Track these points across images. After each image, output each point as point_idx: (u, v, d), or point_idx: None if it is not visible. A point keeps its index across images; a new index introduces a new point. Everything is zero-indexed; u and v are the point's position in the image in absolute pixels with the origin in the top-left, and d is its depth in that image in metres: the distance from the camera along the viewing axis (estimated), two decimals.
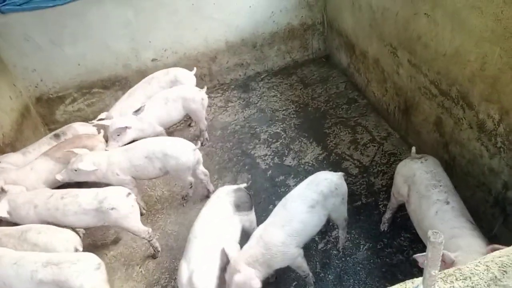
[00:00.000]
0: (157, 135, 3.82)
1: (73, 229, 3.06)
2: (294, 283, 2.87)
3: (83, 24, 4.50)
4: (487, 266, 0.88)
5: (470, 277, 0.85)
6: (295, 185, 3.60)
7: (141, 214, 3.59)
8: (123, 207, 2.97)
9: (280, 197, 3.53)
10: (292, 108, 4.68)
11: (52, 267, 2.50)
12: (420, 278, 0.76)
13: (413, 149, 2.87)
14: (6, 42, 4.41)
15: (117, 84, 5.00)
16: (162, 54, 4.98)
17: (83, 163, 3.23)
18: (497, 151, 2.58)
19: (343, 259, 2.95)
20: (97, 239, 3.53)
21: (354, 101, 4.59)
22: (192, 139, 4.49)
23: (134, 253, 3.33)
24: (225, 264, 2.43)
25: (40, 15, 4.32)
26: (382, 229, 3.07)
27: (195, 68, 4.49)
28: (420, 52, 3.19)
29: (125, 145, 3.59)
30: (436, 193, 2.42)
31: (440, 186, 2.47)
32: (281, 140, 4.22)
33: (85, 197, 3.02)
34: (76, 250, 2.83)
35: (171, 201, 3.76)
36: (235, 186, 2.87)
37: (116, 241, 3.47)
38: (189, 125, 4.70)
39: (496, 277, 0.85)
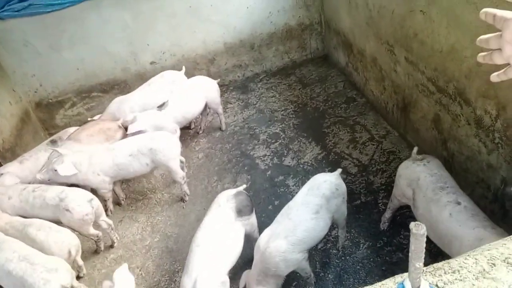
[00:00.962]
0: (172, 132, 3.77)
1: (74, 231, 3.08)
2: (294, 283, 2.86)
3: (81, 28, 4.53)
4: (476, 259, 0.88)
5: (458, 270, 0.85)
6: (295, 185, 3.64)
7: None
8: (78, 212, 3.03)
9: (279, 197, 3.55)
10: (291, 108, 4.69)
11: (26, 264, 2.53)
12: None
13: (415, 149, 2.83)
14: (5, 48, 4.44)
15: (116, 87, 5.02)
16: (161, 57, 5.00)
17: (63, 165, 3.22)
18: (495, 147, 2.57)
19: (342, 258, 2.94)
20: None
21: (353, 100, 4.59)
22: (190, 140, 4.51)
23: (134, 256, 3.33)
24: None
25: (38, 20, 4.35)
26: (382, 228, 3.06)
27: (183, 68, 4.53)
28: (417, 49, 3.19)
29: None
30: (445, 195, 2.38)
31: (447, 187, 2.43)
32: (280, 141, 4.22)
33: (51, 192, 3.12)
34: (70, 253, 2.85)
35: (171, 203, 3.76)
36: (234, 190, 2.83)
37: (116, 245, 3.47)
38: (189, 128, 4.70)
39: (484, 269, 0.85)
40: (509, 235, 1.06)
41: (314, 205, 2.54)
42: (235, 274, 2.70)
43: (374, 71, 4.13)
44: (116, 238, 3.45)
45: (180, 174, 3.57)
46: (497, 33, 0.97)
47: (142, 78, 5.02)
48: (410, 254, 0.69)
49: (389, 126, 4.05)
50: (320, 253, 3.00)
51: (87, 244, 3.45)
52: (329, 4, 4.98)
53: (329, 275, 2.84)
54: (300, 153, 3.98)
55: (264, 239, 2.49)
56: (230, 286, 2.49)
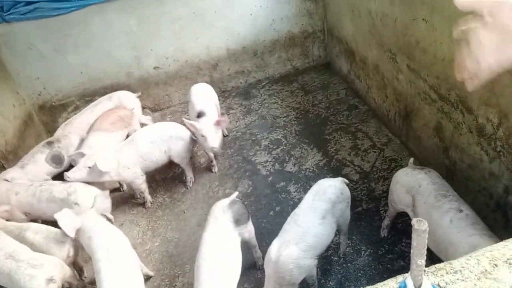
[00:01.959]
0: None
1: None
2: None
3: (86, 33, 4.56)
4: (478, 260, 0.88)
5: (460, 271, 0.85)
6: (296, 191, 3.64)
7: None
8: (86, 206, 3.09)
9: (280, 203, 3.55)
10: (293, 114, 4.70)
11: (11, 261, 2.56)
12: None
13: (411, 160, 2.89)
14: (10, 50, 4.47)
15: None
16: (164, 62, 5.03)
17: (102, 161, 3.25)
18: (496, 155, 2.57)
19: (344, 265, 2.93)
20: None
21: (355, 107, 4.60)
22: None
23: None
24: None
25: (44, 24, 4.38)
26: (382, 235, 3.05)
27: (139, 93, 4.58)
28: (419, 58, 3.21)
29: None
30: (447, 202, 2.40)
31: (450, 195, 2.45)
32: (282, 147, 4.22)
33: (58, 186, 3.25)
34: (69, 254, 2.88)
35: (172, 207, 3.76)
36: (227, 200, 2.77)
37: None
38: None
39: (486, 270, 0.84)
40: None
41: (321, 210, 2.54)
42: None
43: (376, 79, 4.15)
44: None
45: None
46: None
47: (145, 82, 5.06)
48: (412, 251, 0.69)
49: (391, 133, 4.06)
50: (321, 259, 2.99)
51: None
52: (332, 12, 5.02)
53: (330, 282, 2.83)
54: (301, 160, 3.98)
55: (274, 250, 2.44)
56: None
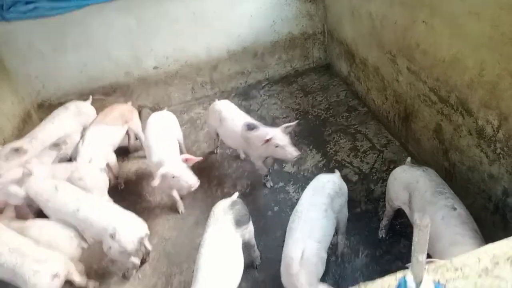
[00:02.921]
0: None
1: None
2: None
3: (85, 32, 4.55)
4: (478, 258, 0.87)
5: (461, 268, 0.84)
6: (295, 191, 3.63)
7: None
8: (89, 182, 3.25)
9: (279, 203, 3.54)
10: (293, 115, 4.69)
11: (16, 256, 2.56)
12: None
13: (409, 158, 2.92)
14: (9, 49, 4.46)
15: (119, 91, 5.03)
16: (164, 62, 5.02)
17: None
18: (496, 157, 2.57)
19: (341, 265, 2.92)
20: (96, 245, 3.50)
21: (354, 109, 4.60)
22: (191, 145, 4.49)
23: None
24: None
25: (43, 23, 4.37)
26: (380, 236, 3.04)
27: (90, 97, 4.42)
28: (419, 59, 3.21)
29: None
30: (443, 199, 2.42)
31: (446, 193, 2.48)
32: None
33: (60, 167, 3.38)
34: (81, 246, 2.93)
35: (170, 206, 3.74)
36: (229, 200, 2.75)
37: None
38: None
39: (487, 268, 0.84)
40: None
41: (321, 204, 2.55)
42: None
43: (376, 81, 4.15)
44: None
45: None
46: None
47: (144, 82, 5.05)
48: (413, 246, 0.68)
49: (390, 135, 4.05)
50: None
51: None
52: (332, 14, 5.02)
53: (327, 282, 2.78)
54: (300, 160, 3.97)
55: (290, 251, 2.35)
56: None
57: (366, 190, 3.49)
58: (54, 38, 4.51)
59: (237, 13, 4.94)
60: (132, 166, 4.34)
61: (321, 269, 2.39)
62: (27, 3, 4.24)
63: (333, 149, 4.03)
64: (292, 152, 3.19)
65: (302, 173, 3.82)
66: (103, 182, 3.45)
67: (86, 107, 4.25)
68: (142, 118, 4.91)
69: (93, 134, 3.72)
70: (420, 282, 0.71)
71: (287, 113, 4.76)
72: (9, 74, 4.55)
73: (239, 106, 5.05)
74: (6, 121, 4.23)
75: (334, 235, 3.00)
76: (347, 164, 3.80)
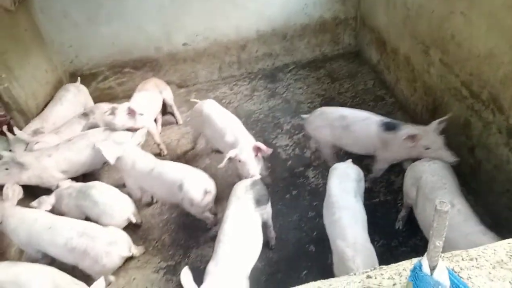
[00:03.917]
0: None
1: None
2: (305, 272, 2.90)
3: (119, 4, 4.61)
4: (494, 250, 0.89)
5: (476, 259, 0.86)
6: (314, 177, 3.65)
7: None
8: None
9: (298, 187, 3.57)
10: (318, 101, 4.67)
11: (87, 238, 2.70)
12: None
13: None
14: (46, 17, 4.58)
15: (148, 65, 5.11)
16: (193, 39, 5.05)
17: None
18: None
19: None
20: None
21: (381, 98, 4.53)
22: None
23: (152, 228, 3.44)
24: None
25: None
26: (397, 227, 3.05)
27: (79, 78, 4.61)
28: (453, 52, 3.13)
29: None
30: (441, 195, 2.39)
31: (445, 189, 2.42)
32: (303, 132, 4.22)
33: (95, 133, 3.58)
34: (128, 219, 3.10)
35: None
36: (249, 180, 2.83)
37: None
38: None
39: (502, 260, 0.85)
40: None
41: (351, 188, 2.60)
42: None
43: (406, 71, 4.06)
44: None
45: None
46: None
47: (173, 58, 5.11)
48: (431, 231, 0.70)
49: None
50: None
51: None
52: (366, 0, 4.90)
53: None
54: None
55: (345, 242, 2.31)
56: None
57: (387, 181, 3.48)
58: (88, 8, 4.59)
59: None
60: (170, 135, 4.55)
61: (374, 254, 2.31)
62: None
63: None
64: (448, 156, 2.73)
65: (322, 159, 3.82)
66: None
67: (81, 87, 4.51)
68: None
69: (139, 100, 3.98)
70: (435, 267, 0.74)
71: (312, 98, 4.74)
72: (44, 42, 4.68)
73: (265, 88, 5.08)
74: (39, 88, 4.38)
75: None
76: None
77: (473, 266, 0.84)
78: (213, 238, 2.66)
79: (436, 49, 3.37)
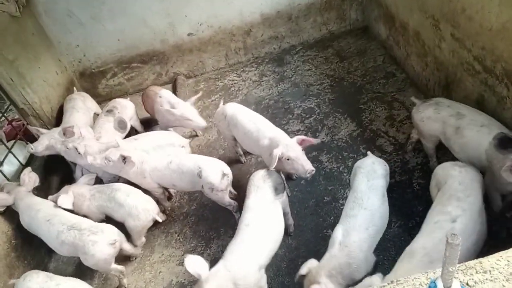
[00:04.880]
0: None
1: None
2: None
3: (120, 0, 4.60)
4: (508, 261, 0.90)
5: (490, 271, 0.88)
6: (328, 161, 3.67)
7: None
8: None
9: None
10: (327, 82, 4.63)
11: (74, 231, 2.82)
12: (439, 272, 0.80)
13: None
14: (50, 18, 4.61)
15: (155, 58, 5.13)
16: (198, 28, 5.02)
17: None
18: None
19: None
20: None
21: (392, 75, 4.46)
22: None
23: (173, 222, 3.54)
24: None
25: None
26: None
27: (75, 88, 4.64)
28: (464, 26, 3.04)
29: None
30: (453, 207, 2.23)
31: (461, 201, 2.24)
32: (314, 116, 4.21)
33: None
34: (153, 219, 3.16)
35: None
36: (264, 170, 2.88)
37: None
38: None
39: None
40: None
41: (380, 187, 2.56)
42: None
43: (416, 46, 3.98)
44: None
45: None
46: None
47: (179, 50, 5.11)
48: (443, 259, 0.73)
49: None
50: None
51: None
52: None
53: None
54: (334, 129, 3.97)
55: (339, 231, 2.39)
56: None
57: (401, 161, 3.47)
58: (91, 5, 4.61)
59: None
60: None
61: (362, 272, 2.32)
62: None
63: (369, 118, 3.98)
64: None
65: (335, 142, 3.83)
66: None
67: (83, 93, 4.54)
68: (178, 85, 5.02)
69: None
70: (450, 287, 0.76)
71: (321, 79, 4.70)
72: (52, 43, 4.73)
73: (273, 72, 5.05)
74: (52, 91, 4.46)
75: None
76: (382, 134, 3.77)
77: (486, 279, 0.86)
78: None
79: (446, 23, 3.28)
